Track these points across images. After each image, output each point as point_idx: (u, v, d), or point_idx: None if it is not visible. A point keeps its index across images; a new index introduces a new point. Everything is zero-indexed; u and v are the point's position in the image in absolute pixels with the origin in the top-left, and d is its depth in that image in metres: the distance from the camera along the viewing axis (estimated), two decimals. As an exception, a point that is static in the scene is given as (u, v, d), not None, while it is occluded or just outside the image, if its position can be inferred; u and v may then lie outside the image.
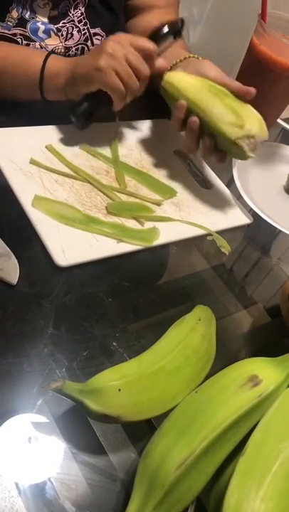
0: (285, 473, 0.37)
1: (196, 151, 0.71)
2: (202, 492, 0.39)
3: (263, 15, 0.76)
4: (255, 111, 0.67)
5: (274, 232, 0.73)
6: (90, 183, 0.66)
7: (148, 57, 0.65)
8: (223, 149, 0.68)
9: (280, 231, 0.71)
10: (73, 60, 0.67)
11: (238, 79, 0.83)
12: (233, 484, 0.36)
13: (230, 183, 0.77)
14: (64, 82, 0.66)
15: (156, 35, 0.67)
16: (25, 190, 0.61)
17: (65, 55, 0.75)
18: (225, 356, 0.52)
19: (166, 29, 0.68)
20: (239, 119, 0.65)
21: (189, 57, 0.74)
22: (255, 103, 0.81)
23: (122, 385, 0.41)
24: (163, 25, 0.68)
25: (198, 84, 0.67)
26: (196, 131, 0.67)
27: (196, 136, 0.68)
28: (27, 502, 0.39)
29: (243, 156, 0.66)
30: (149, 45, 0.65)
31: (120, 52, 0.63)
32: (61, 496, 0.40)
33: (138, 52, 0.64)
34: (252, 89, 0.68)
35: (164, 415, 0.42)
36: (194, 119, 0.66)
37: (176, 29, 0.68)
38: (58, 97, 0.69)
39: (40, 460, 0.41)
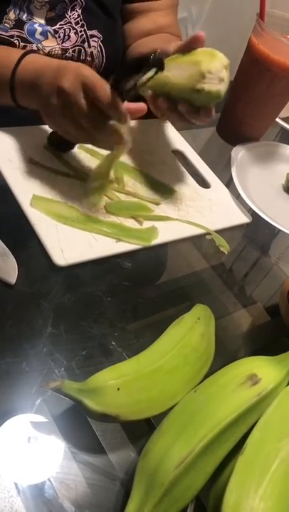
0: (284, 471, 0.37)
1: (190, 122, 0.65)
2: (201, 491, 0.39)
3: (261, 14, 0.76)
4: (202, 50, 0.61)
5: (273, 232, 0.73)
6: (89, 183, 0.66)
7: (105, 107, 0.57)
8: (202, 106, 0.63)
9: (279, 230, 0.71)
10: (36, 77, 0.61)
11: (236, 78, 0.83)
12: (233, 483, 0.36)
13: (229, 182, 0.77)
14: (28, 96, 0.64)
15: (119, 73, 0.58)
16: (23, 190, 0.61)
17: (62, 57, 0.75)
18: (224, 355, 0.52)
19: (148, 60, 0.58)
20: (187, 69, 0.60)
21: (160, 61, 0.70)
22: (253, 103, 0.82)
23: (120, 384, 0.41)
24: (145, 56, 0.58)
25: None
26: (166, 110, 0.63)
27: (172, 113, 0.64)
28: (26, 502, 0.39)
29: (216, 96, 0.61)
30: (103, 96, 0.56)
31: (64, 108, 0.58)
32: (60, 495, 0.40)
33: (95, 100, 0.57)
34: (198, 35, 0.60)
35: (163, 414, 0.42)
36: (160, 101, 0.62)
37: (159, 62, 0.58)
38: (29, 103, 0.65)
39: (39, 460, 0.41)
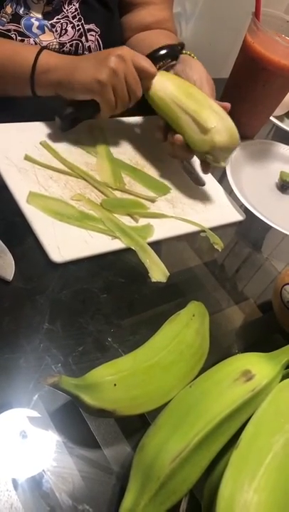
0: (277, 465, 0.37)
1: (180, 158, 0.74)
2: (195, 485, 0.40)
3: (256, 13, 0.76)
4: (228, 118, 0.68)
5: (265, 229, 0.74)
6: (85, 180, 0.66)
7: (146, 77, 0.67)
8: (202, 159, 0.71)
9: (271, 227, 0.72)
10: (71, 61, 0.66)
11: (231, 77, 0.84)
12: (227, 476, 0.37)
13: (223, 179, 0.78)
14: (57, 80, 0.65)
15: (154, 56, 0.70)
16: (20, 187, 0.61)
17: (59, 52, 0.75)
18: (217, 351, 0.53)
19: (164, 51, 0.71)
20: (208, 133, 0.66)
21: (183, 53, 0.74)
22: (249, 101, 0.82)
23: (117, 380, 0.42)
24: (162, 48, 0.71)
25: (177, 94, 0.68)
26: (179, 144, 0.69)
27: (179, 147, 0.70)
28: (23, 495, 0.39)
29: (217, 166, 0.70)
30: (150, 67, 0.67)
31: (122, 70, 0.64)
32: (57, 489, 0.40)
33: (137, 71, 0.66)
34: (226, 106, 0.70)
35: (158, 410, 0.43)
36: (177, 137, 0.68)
37: (175, 52, 0.71)
38: (49, 93, 0.68)
39: (36, 454, 0.42)
